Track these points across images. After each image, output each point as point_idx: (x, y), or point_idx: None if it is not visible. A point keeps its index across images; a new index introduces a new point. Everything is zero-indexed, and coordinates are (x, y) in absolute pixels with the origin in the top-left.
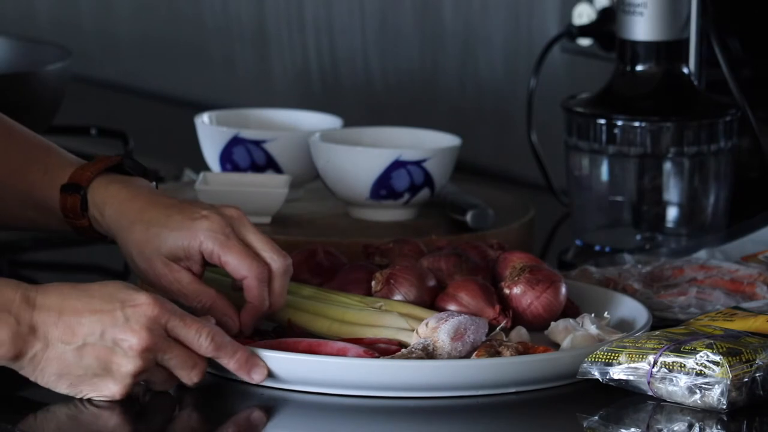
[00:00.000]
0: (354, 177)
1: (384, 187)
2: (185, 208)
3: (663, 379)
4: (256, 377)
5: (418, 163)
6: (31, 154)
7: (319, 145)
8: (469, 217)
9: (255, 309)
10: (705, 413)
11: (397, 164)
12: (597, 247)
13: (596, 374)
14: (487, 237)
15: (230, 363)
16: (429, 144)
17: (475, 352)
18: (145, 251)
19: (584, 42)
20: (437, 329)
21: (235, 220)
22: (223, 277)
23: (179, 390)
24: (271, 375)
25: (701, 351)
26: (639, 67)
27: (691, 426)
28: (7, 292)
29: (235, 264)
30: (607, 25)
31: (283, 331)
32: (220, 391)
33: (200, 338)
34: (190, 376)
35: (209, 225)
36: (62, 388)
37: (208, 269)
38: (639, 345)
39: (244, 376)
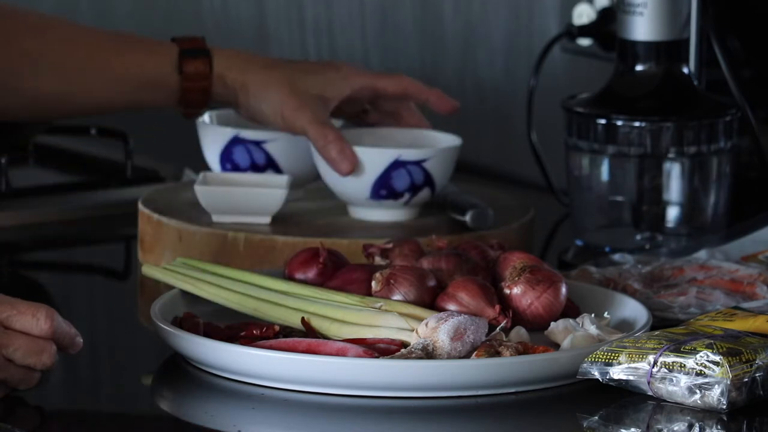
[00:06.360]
0: (354, 177)
1: (384, 187)
2: (307, 62)
3: (663, 379)
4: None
5: (418, 163)
6: (122, 40)
7: None
8: (469, 217)
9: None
10: (705, 413)
11: (397, 164)
12: (597, 247)
13: (596, 374)
14: (487, 237)
15: (66, 341)
16: (429, 144)
17: (475, 352)
18: (294, 89)
19: (584, 42)
20: (437, 329)
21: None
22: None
23: (179, 390)
24: (271, 375)
25: (701, 351)
26: (639, 67)
27: (691, 426)
28: None
29: (389, 81)
30: (607, 25)
31: (289, 331)
32: (220, 391)
33: (38, 321)
34: (41, 361)
35: (350, 67)
36: None
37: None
38: (639, 345)
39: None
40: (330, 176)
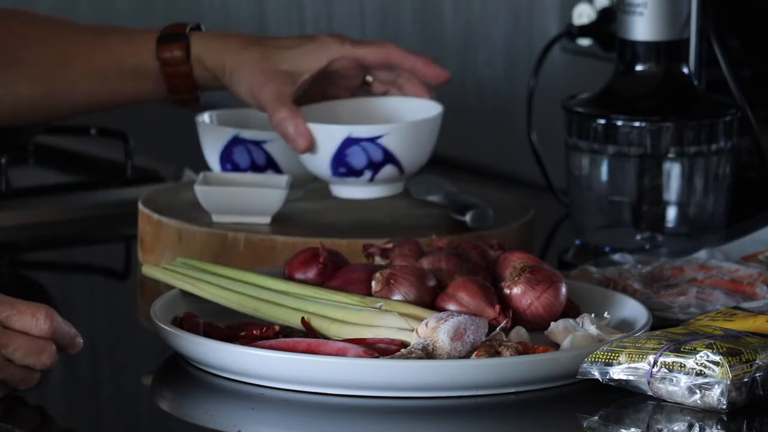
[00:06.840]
0: (312, 155)
1: (342, 165)
2: (287, 38)
3: (663, 379)
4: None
5: (372, 140)
6: (101, 32)
7: None
8: (469, 217)
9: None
10: (705, 413)
11: (350, 141)
12: (597, 247)
13: (596, 374)
14: (487, 237)
15: (67, 341)
16: (407, 116)
17: (475, 352)
18: (264, 66)
19: (584, 42)
20: (437, 329)
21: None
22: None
23: (179, 390)
24: (271, 375)
25: (701, 351)
26: (639, 67)
27: (691, 426)
28: None
29: (370, 49)
30: (607, 25)
31: (289, 331)
32: (220, 391)
33: (38, 321)
34: (41, 361)
35: (329, 38)
36: None
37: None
38: (639, 345)
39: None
40: (300, 155)
